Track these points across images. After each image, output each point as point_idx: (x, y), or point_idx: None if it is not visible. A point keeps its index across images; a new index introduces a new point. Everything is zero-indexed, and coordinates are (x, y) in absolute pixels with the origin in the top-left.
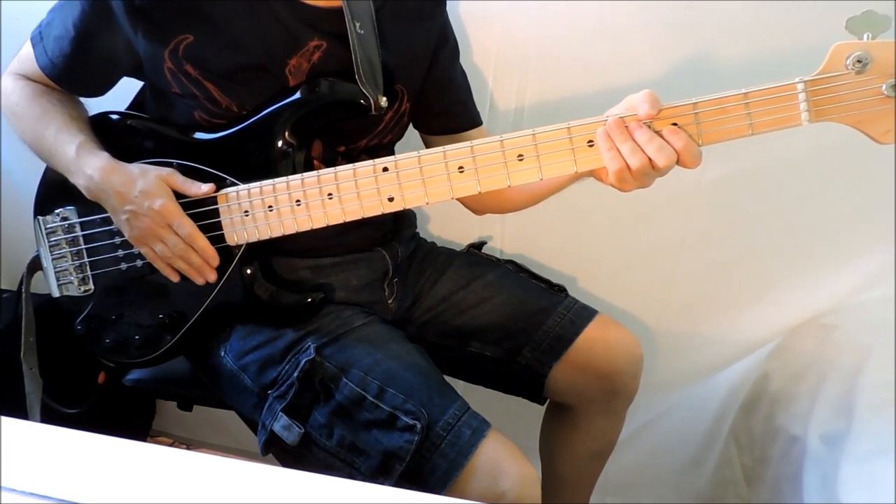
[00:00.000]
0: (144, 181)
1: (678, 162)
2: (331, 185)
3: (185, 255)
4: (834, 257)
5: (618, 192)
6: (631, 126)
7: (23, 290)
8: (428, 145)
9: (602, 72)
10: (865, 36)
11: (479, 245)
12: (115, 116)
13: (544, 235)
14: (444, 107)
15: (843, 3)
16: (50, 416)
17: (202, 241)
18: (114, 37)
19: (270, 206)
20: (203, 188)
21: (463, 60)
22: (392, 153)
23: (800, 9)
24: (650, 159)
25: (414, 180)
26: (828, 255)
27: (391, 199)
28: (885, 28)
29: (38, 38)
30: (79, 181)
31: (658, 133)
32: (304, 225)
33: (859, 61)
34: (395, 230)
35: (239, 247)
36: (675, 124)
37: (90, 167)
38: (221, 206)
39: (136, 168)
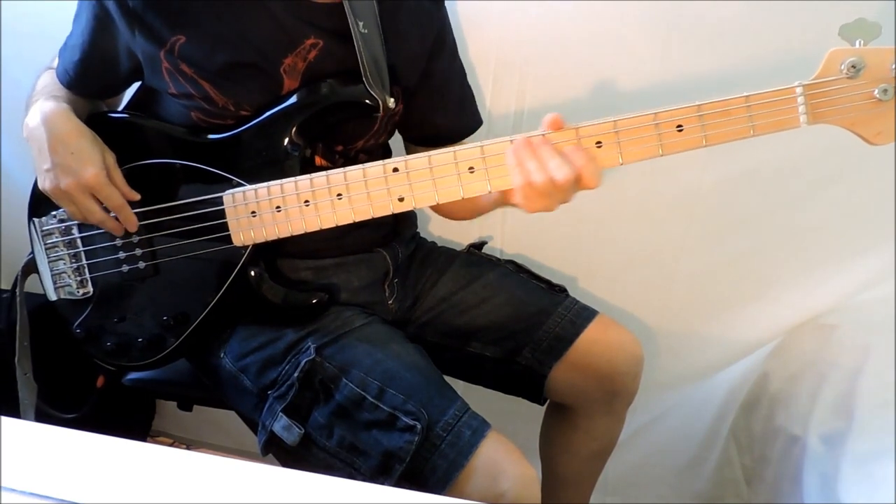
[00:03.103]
0: (86, 144)
1: (579, 181)
2: (340, 186)
3: (104, 222)
4: (834, 257)
5: (618, 193)
6: (535, 143)
7: (16, 293)
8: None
9: (602, 74)
10: (857, 42)
11: (479, 245)
12: (116, 116)
13: (544, 235)
14: (440, 112)
15: (836, 11)
16: (46, 422)
17: (130, 214)
18: (114, 40)
19: (278, 207)
20: (129, 193)
21: (462, 62)
22: (389, 151)
23: (796, 16)
24: (552, 176)
25: (424, 181)
26: (828, 255)
27: (401, 200)
28: (876, 35)
29: (62, 51)
30: (26, 120)
31: (562, 152)
32: (313, 225)
33: (853, 66)
34: (395, 231)
35: (245, 247)
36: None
37: (45, 107)
38: (227, 206)
39: (87, 131)
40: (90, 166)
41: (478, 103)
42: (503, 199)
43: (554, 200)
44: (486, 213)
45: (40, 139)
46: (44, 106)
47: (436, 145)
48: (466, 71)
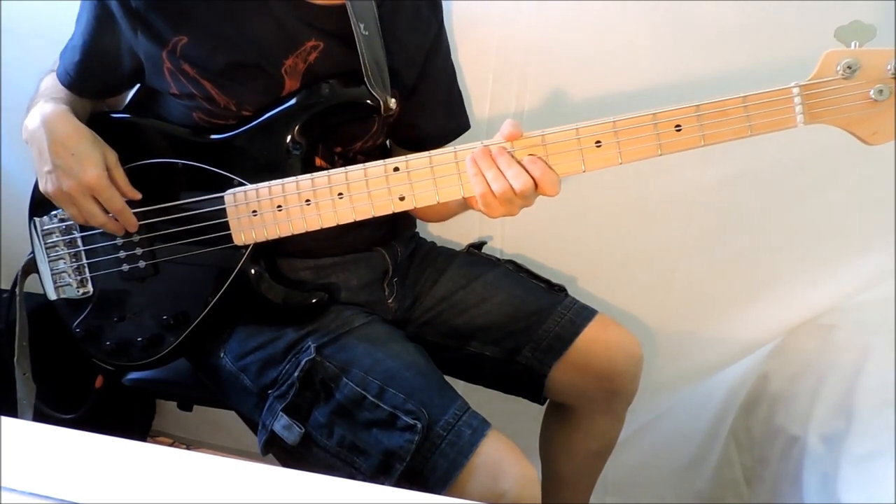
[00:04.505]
0: (87, 145)
1: (537, 189)
2: (341, 185)
3: (105, 224)
4: (834, 257)
5: (617, 193)
6: (494, 153)
7: (16, 292)
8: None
9: (602, 74)
10: (853, 44)
11: (479, 245)
12: (117, 116)
13: (544, 235)
14: (428, 114)
15: (832, 14)
16: (45, 422)
17: (130, 216)
18: (115, 40)
19: (279, 206)
20: (131, 192)
21: (462, 63)
22: (386, 152)
23: (793, 18)
24: (510, 185)
25: (425, 180)
26: (828, 255)
27: (402, 199)
28: (871, 37)
29: (63, 52)
30: (25, 122)
31: (519, 161)
32: (314, 224)
33: (849, 67)
34: (394, 230)
35: (246, 246)
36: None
37: (44, 109)
38: (229, 206)
39: (87, 132)
40: (91, 168)
41: (478, 103)
42: (467, 204)
43: (515, 206)
44: (453, 217)
45: (40, 141)
46: (43, 108)
47: (421, 148)
48: (466, 72)
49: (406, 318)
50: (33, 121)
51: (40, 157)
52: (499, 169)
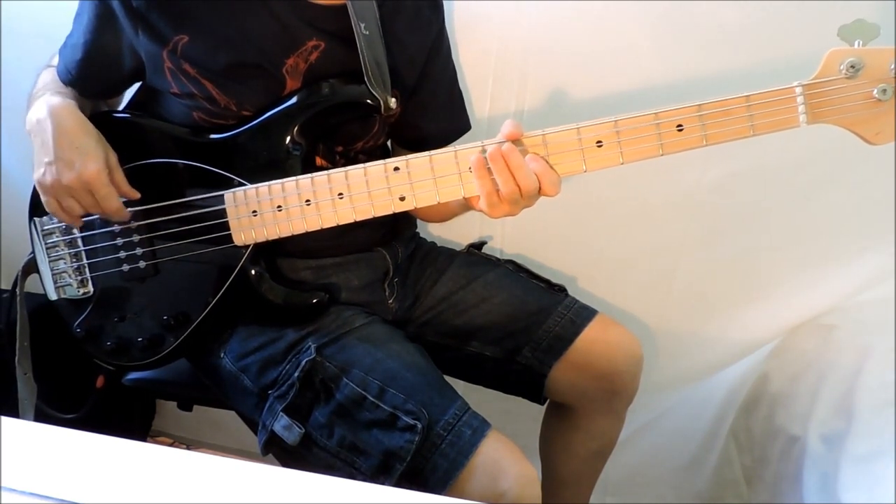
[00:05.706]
0: (91, 141)
1: (540, 188)
2: (341, 185)
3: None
4: (834, 257)
5: (618, 192)
6: (504, 152)
7: (16, 292)
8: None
9: (602, 74)
10: (857, 43)
11: (479, 245)
12: (118, 116)
13: (544, 235)
14: (429, 115)
15: (835, 12)
16: (46, 422)
17: (125, 215)
18: (117, 39)
19: (279, 206)
20: (131, 192)
21: (462, 63)
22: (388, 152)
23: (795, 17)
24: (519, 185)
25: (425, 180)
26: (828, 255)
27: (402, 199)
28: (875, 36)
29: (62, 49)
30: (29, 115)
31: (524, 161)
32: (314, 224)
33: (852, 67)
34: (395, 230)
35: (246, 246)
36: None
37: (52, 101)
38: (228, 206)
39: (92, 128)
40: (92, 163)
41: (478, 103)
42: (468, 204)
43: (518, 207)
44: (455, 217)
45: (45, 132)
46: (50, 100)
47: (422, 148)
48: (466, 72)
49: (406, 318)
50: (39, 111)
51: (42, 147)
52: (508, 168)
